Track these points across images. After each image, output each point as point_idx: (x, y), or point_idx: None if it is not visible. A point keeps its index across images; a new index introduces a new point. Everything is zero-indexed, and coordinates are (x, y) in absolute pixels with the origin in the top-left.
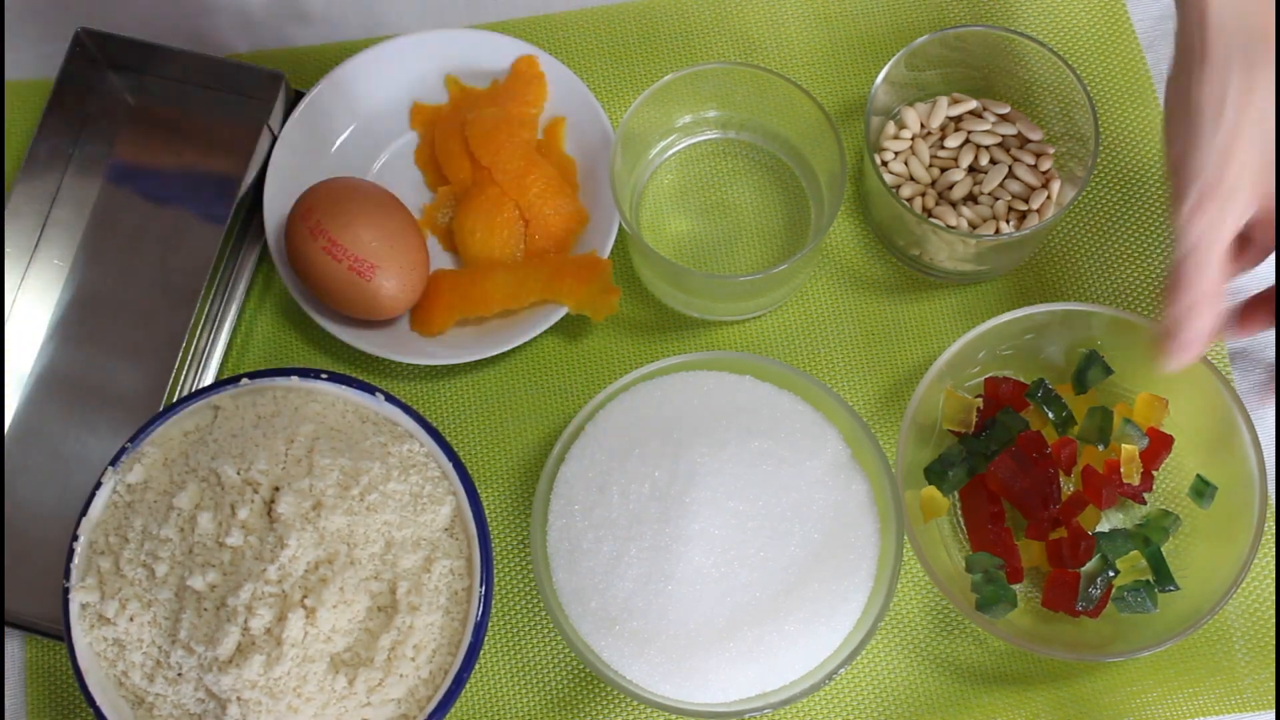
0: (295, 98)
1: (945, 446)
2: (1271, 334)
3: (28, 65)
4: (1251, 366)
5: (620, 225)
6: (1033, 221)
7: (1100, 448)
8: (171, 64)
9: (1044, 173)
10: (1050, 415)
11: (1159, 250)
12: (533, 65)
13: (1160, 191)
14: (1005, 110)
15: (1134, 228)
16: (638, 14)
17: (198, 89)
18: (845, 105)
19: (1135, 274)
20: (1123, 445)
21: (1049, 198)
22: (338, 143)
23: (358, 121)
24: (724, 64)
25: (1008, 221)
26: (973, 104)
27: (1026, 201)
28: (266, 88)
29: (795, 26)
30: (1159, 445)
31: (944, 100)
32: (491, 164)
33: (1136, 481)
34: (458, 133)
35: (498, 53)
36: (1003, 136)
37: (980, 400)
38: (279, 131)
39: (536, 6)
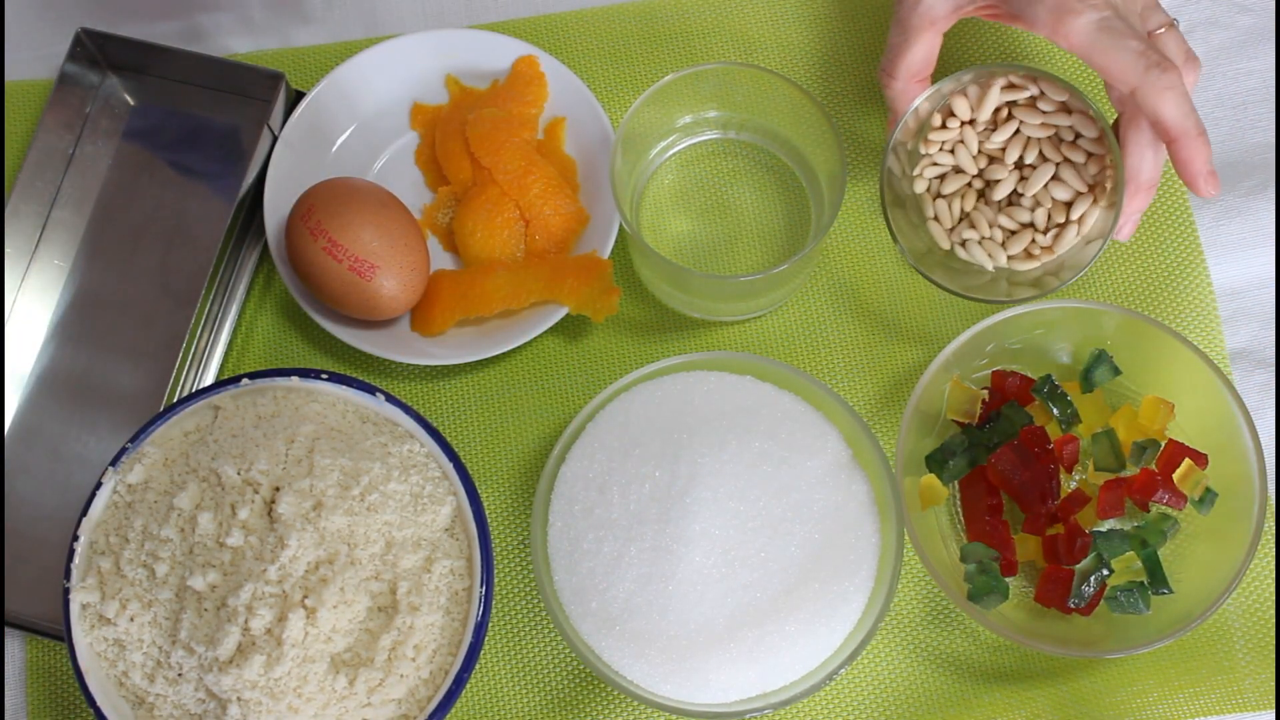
0: (295, 98)
1: (948, 436)
2: (1271, 333)
3: (28, 65)
4: (1252, 367)
5: (620, 225)
6: (1071, 234)
7: (1122, 473)
8: (171, 64)
9: (1092, 175)
10: (1055, 412)
11: (1160, 250)
12: (533, 65)
13: (1159, 192)
14: (1064, 98)
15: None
16: (638, 14)
17: (198, 89)
18: (846, 107)
19: (1136, 274)
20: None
21: (1094, 203)
22: (338, 143)
23: (358, 121)
24: (724, 64)
25: (1045, 233)
26: (1030, 90)
27: (1067, 211)
28: (266, 88)
29: (795, 26)
30: (1175, 457)
31: (997, 84)
32: (492, 164)
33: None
34: (458, 133)
35: (498, 53)
36: (1056, 128)
37: (986, 392)
38: (279, 131)
39: (536, 6)
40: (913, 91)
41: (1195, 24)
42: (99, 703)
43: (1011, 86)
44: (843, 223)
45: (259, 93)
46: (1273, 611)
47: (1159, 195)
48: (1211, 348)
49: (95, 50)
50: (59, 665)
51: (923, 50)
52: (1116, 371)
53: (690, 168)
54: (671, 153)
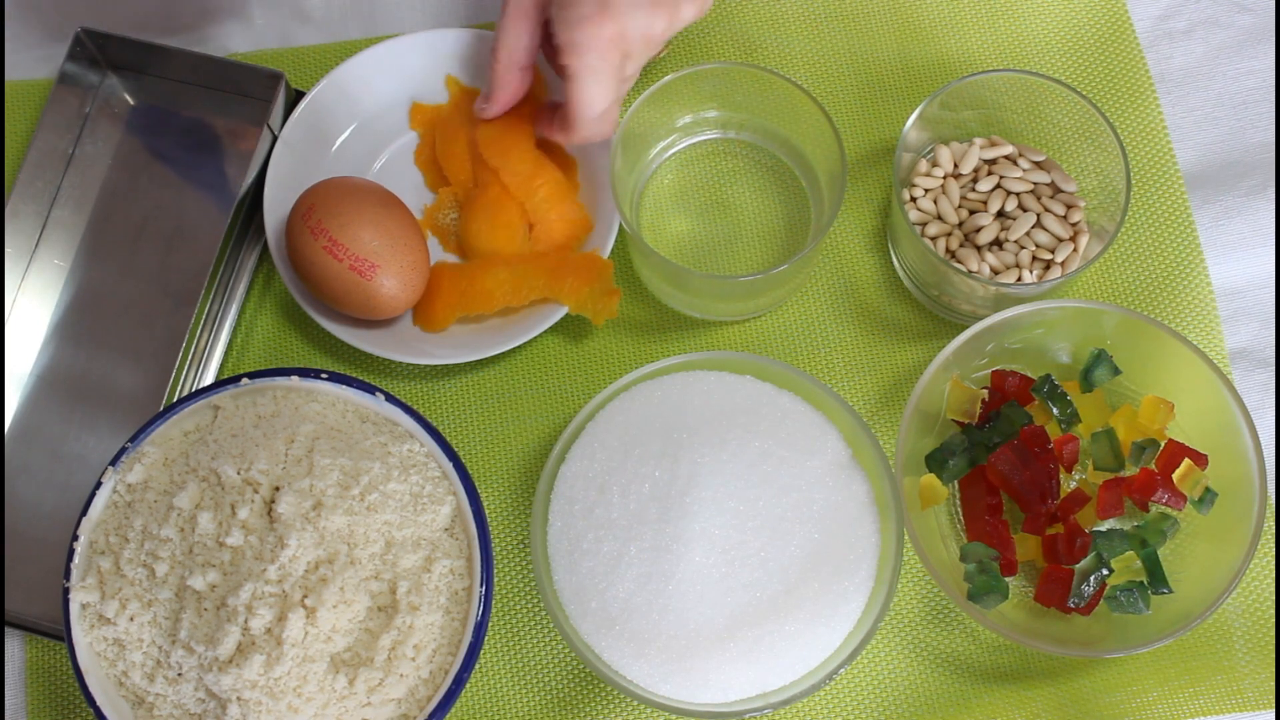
0: (295, 98)
1: (948, 435)
2: (1271, 333)
3: (28, 65)
4: (1252, 367)
5: (620, 225)
6: (1055, 274)
7: (1121, 473)
8: (171, 64)
9: (1073, 224)
10: (1055, 411)
11: (1159, 250)
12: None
13: (1159, 192)
14: (1041, 158)
15: (1134, 228)
16: None
17: (198, 89)
18: (846, 107)
19: (1136, 274)
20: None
21: (1075, 251)
22: (338, 143)
23: (358, 121)
24: (724, 64)
25: (1030, 270)
26: (1008, 149)
27: (1052, 253)
28: (266, 88)
29: (795, 26)
30: (1175, 457)
31: (978, 143)
32: (500, 166)
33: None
34: (459, 133)
35: None
36: (1035, 184)
37: (986, 392)
38: (279, 131)
39: None
40: (513, 78)
41: (1195, 24)
42: (99, 702)
43: (992, 144)
44: (843, 223)
45: (259, 93)
46: (1273, 611)
47: (1157, 195)
48: (1211, 348)
49: (95, 50)
50: (59, 665)
51: (515, 36)
52: (1116, 371)
53: (690, 168)
54: (671, 153)
